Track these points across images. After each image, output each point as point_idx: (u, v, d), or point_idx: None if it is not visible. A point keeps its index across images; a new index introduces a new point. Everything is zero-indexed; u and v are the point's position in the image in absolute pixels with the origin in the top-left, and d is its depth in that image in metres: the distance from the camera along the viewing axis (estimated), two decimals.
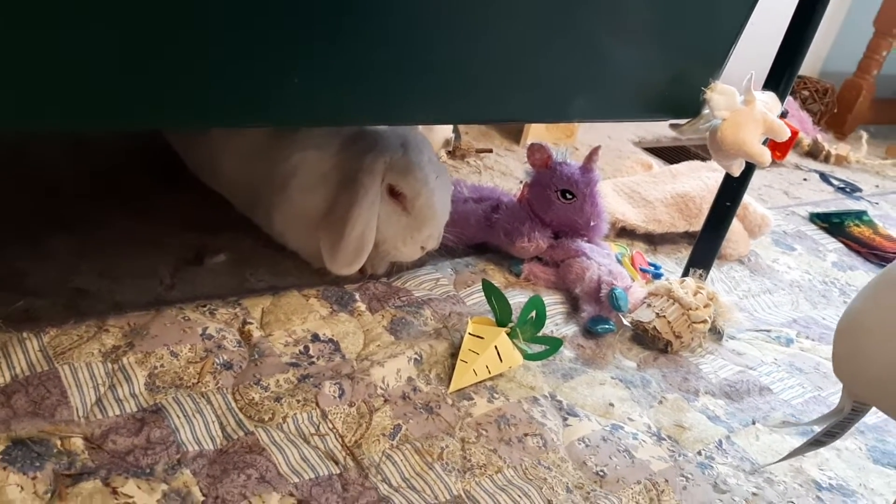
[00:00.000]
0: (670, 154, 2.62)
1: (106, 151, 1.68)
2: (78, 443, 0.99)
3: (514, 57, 1.15)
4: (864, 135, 3.01)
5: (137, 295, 1.30)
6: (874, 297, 0.91)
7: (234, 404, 1.12)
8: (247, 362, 1.20)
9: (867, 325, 0.89)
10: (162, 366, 1.14)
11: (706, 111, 1.40)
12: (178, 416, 1.07)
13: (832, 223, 2.25)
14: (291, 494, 1.01)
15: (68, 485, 0.94)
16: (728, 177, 1.58)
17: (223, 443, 1.06)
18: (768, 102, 1.41)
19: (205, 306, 1.29)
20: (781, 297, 1.86)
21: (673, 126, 1.46)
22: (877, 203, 2.56)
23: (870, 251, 2.16)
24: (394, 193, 1.37)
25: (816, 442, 1.12)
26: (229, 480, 1.00)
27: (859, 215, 2.30)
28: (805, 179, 2.69)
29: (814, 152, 2.92)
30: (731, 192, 1.57)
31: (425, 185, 1.37)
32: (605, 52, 1.25)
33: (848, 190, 2.65)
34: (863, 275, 2.07)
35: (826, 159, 2.90)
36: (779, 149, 2.72)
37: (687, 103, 1.40)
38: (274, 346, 1.25)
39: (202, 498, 0.97)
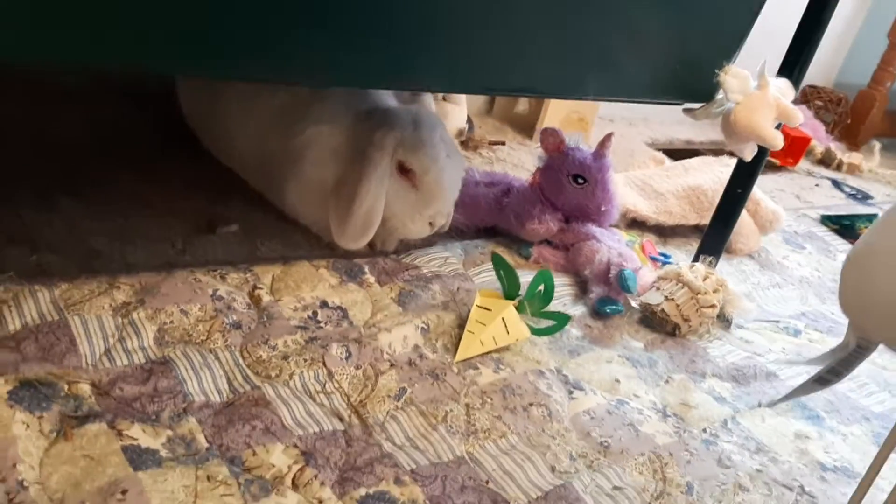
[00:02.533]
0: (682, 156, 2.61)
1: (123, 120, 1.69)
2: (85, 388, 1.00)
3: (531, 27, 1.16)
4: (878, 144, 3.01)
5: (149, 258, 1.31)
6: (885, 223, 0.87)
7: (241, 361, 1.13)
8: (255, 323, 1.21)
9: (877, 254, 0.85)
10: (171, 322, 1.15)
11: (720, 96, 1.41)
12: (185, 368, 1.08)
13: (843, 225, 2.25)
14: (296, 446, 1.01)
15: (74, 426, 0.94)
16: (739, 164, 1.58)
17: (229, 396, 1.07)
18: (781, 88, 1.42)
19: (216, 271, 1.30)
20: (790, 292, 1.86)
21: (687, 111, 1.47)
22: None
23: None
24: (403, 170, 1.38)
25: (821, 380, 1.08)
26: (234, 430, 1.00)
27: (870, 218, 2.29)
28: (817, 185, 2.68)
29: (826, 160, 2.91)
30: (742, 179, 1.57)
31: (434, 162, 1.38)
32: (621, 29, 1.27)
33: (859, 196, 2.64)
34: None
35: (839, 167, 2.90)
36: (791, 155, 2.73)
37: (701, 87, 1.41)
38: (283, 310, 1.26)
39: (206, 444, 0.97)
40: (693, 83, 1.41)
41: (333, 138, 1.42)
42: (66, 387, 0.99)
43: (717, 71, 1.36)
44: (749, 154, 1.45)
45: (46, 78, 1.69)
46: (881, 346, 0.99)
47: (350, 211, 1.35)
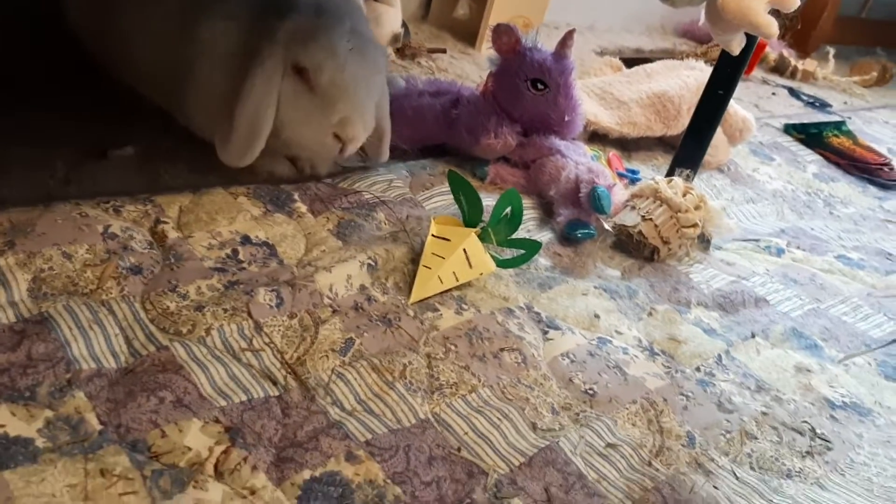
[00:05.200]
0: (632, 65, 2.43)
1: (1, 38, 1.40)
2: None
3: None
4: (832, 50, 2.87)
5: (24, 190, 1.05)
6: None
7: (143, 315, 0.90)
8: (160, 266, 0.97)
9: None
10: (51, 269, 0.91)
11: None
12: (69, 327, 0.84)
13: (810, 133, 2.10)
14: (217, 420, 0.79)
15: None
16: (721, 61, 1.39)
17: (129, 360, 0.84)
18: None
19: (108, 203, 1.05)
20: (766, 207, 1.70)
21: None
22: (849, 118, 2.42)
23: (850, 162, 2.01)
24: (298, 68, 1.11)
25: None
26: (136, 405, 0.78)
27: (838, 126, 2.15)
28: (774, 94, 2.53)
29: (780, 68, 2.76)
30: (724, 78, 1.38)
31: (332, 57, 1.10)
32: None
33: (818, 105, 2.50)
34: (845, 186, 1.93)
35: (792, 75, 2.75)
36: None
37: None
38: (195, 248, 1.02)
39: (99, 426, 0.75)
40: None
41: (230, 36, 1.14)
42: None
43: None
44: (737, 46, 1.25)
45: None
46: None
47: (233, 118, 1.09)
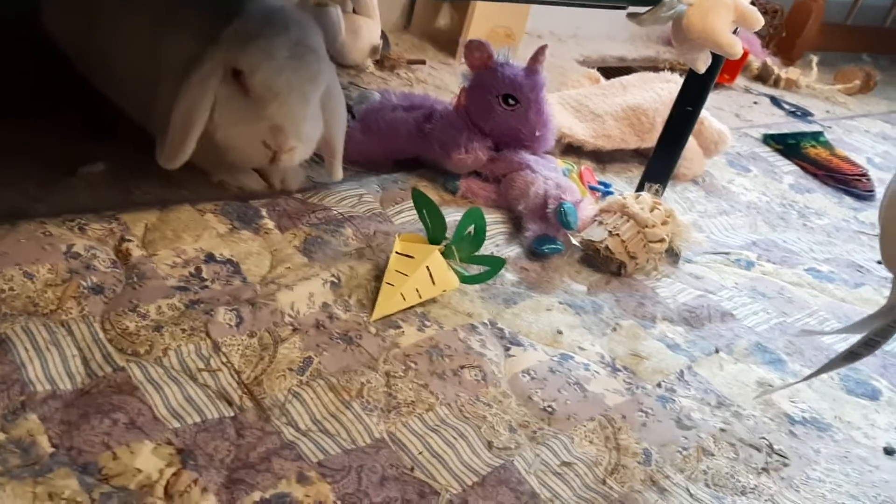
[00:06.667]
0: (615, 74, 2.44)
1: None
2: None
3: None
4: (815, 58, 2.88)
5: None
6: None
7: (101, 335, 0.91)
8: (122, 286, 0.99)
9: None
10: (11, 289, 0.92)
11: None
12: (26, 349, 0.85)
13: (788, 144, 2.11)
14: (170, 442, 0.81)
15: None
16: (689, 79, 1.40)
17: (85, 382, 0.85)
18: None
19: (73, 221, 1.06)
20: (739, 220, 1.71)
21: (631, 16, 1.27)
22: (829, 127, 2.43)
23: (827, 173, 2.03)
24: (235, 72, 1.10)
25: (852, 354, 0.90)
26: (89, 427, 0.79)
27: (816, 136, 2.16)
28: (756, 103, 2.54)
29: (763, 76, 2.77)
30: (692, 95, 1.39)
31: (267, 60, 1.09)
32: None
33: (799, 114, 2.51)
34: (821, 198, 1.94)
35: (776, 83, 2.76)
36: (728, 71, 2.58)
37: None
38: (158, 267, 1.03)
39: (51, 449, 0.76)
40: None
41: (189, 52, 1.14)
42: None
43: None
44: (703, 65, 1.27)
45: None
46: None
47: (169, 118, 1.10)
